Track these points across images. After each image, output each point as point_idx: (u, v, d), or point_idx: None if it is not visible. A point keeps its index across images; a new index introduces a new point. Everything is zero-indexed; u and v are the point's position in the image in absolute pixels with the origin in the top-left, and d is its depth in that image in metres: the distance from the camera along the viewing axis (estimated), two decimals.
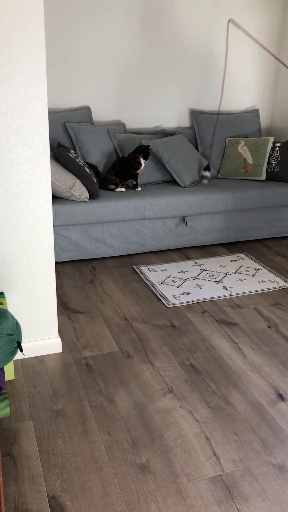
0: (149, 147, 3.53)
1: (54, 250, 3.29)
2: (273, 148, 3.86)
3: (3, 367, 1.94)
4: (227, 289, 3.04)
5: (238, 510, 1.57)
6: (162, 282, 3.12)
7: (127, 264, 3.41)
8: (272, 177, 3.86)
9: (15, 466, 1.71)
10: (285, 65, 2.07)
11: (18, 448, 1.78)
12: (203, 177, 3.47)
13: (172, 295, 2.95)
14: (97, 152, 3.64)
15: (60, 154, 3.17)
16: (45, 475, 1.67)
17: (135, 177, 3.51)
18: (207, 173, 3.56)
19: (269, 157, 3.85)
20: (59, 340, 2.37)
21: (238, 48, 4.11)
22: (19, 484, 1.64)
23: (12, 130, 1.94)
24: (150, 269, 3.31)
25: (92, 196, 3.28)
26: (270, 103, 4.43)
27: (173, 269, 3.32)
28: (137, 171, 3.49)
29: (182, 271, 3.29)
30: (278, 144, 3.87)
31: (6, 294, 2.22)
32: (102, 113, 3.93)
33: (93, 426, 1.90)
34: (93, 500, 1.59)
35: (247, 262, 3.45)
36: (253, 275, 3.25)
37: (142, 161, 3.45)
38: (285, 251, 3.70)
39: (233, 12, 3.96)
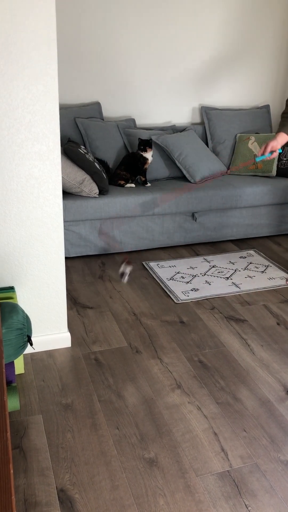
0: (143, 140, 3.45)
1: (64, 246, 3.30)
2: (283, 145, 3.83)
3: (13, 361, 1.96)
4: (236, 286, 3.03)
5: (246, 506, 1.57)
6: (171, 278, 3.12)
7: (136, 260, 3.41)
8: (282, 173, 3.83)
9: (24, 459, 1.73)
10: None
11: (28, 441, 1.80)
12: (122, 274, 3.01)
13: (181, 291, 2.95)
14: (107, 148, 3.64)
15: (70, 149, 3.18)
16: (54, 468, 1.69)
17: (143, 172, 3.51)
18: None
19: (280, 153, 3.82)
20: (68, 335, 2.38)
21: (249, 44, 4.08)
22: (28, 476, 1.65)
23: (23, 125, 1.95)
24: (159, 265, 3.31)
25: (102, 191, 3.28)
26: (281, 99, 4.40)
27: (182, 265, 3.32)
28: (145, 166, 3.49)
29: (191, 267, 3.28)
30: None
31: (16, 289, 2.23)
32: (112, 109, 3.93)
33: (101, 421, 1.91)
34: (102, 494, 1.60)
35: (257, 259, 3.44)
36: (263, 271, 3.24)
37: (146, 154, 3.44)
38: None
39: (251, 7, 3.93)
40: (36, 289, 2.26)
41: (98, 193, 3.26)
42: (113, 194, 3.31)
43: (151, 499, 1.59)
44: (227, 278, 3.14)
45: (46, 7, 1.82)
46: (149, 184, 3.55)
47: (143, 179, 3.53)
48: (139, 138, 3.45)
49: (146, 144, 3.43)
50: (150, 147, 3.45)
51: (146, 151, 3.43)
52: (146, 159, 3.46)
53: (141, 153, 3.43)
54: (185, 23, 3.85)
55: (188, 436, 1.85)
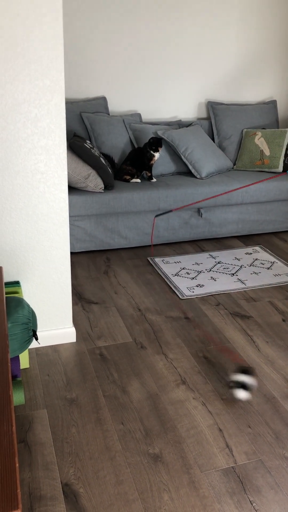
0: (156, 139, 3.45)
1: (69, 241, 3.30)
2: None
3: (18, 355, 1.96)
4: (242, 282, 3.02)
5: (250, 502, 1.57)
6: (176, 274, 3.11)
7: (141, 255, 3.41)
8: None
9: (29, 453, 1.73)
10: None
11: (33, 436, 1.81)
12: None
13: (186, 287, 2.94)
14: (112, 143, 3.63)
15: (76, 144, 3.17)
16: (58, 463, 1.69)
17: (149, 168, 3.50)
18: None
19: (286, 149, 3.80)
20: (73, 330, 2.38)
21: (256, 40, 4.05)
22: (33, 470, 1.66)
23: (29, 120, 1.95)
24: (164, 261, 3.30)
25: (107, 187, 3.27)
26: None
27: (187, 261, 3.31)
28: (151, 162, 3.48)
29: (197, 263, 3.28)
30: None
31: (22, 283, 2.23)
32: (118, 104, 3.91)
33: (106, 416, 1.91)
34: (106, 489, 1.60)
35: (262, 255, 3.43)
36: (268, 268, 3.23)
37: (156, 153, 3.44)
38: None
39: (257, 3, 3.90)
40: (42, 283, 2.26)
41: (103, 188, 3.25)
42: (119, 189, 3.31)
43: (155, 494, 1.59)
44: (233, 274, 3.13)
45: (52, 2, 1.81)
46: (154, 180, 3.54)
47: (149, 174, 3.52)
48: (150, 138, 3.42)
49: (158, 144, 3.41)
50: (161, 146, 3.44)
51: (158, 151, 3.43)
52: (154, 156, 3.45)
53: (153, 153, 3.42)
54: (192, 18, 3.82)
55: (192, 432, 1.84)
